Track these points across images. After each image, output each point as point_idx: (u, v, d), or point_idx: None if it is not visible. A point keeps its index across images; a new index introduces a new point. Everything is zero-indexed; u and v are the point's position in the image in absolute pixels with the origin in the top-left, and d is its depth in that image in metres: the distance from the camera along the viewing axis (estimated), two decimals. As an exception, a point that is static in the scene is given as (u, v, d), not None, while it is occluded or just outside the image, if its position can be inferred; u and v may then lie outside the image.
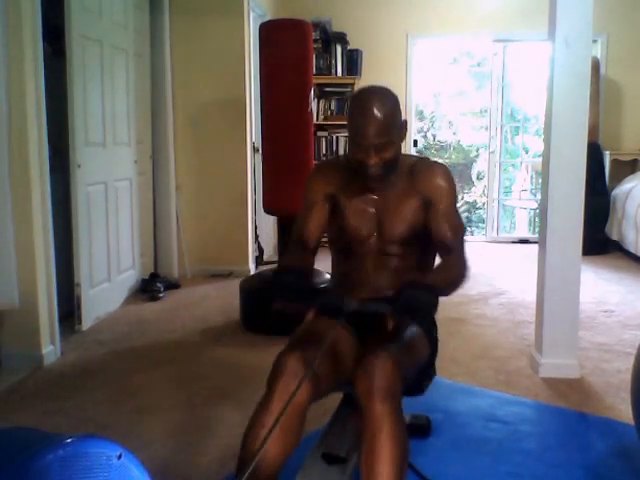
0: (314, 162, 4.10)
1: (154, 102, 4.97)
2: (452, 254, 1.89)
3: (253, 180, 5.27)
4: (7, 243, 3.01)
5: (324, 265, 2.91)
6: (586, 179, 3.01)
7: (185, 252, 5.18)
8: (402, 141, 1.88)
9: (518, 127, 8.41)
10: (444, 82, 9.36)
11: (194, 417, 2.66)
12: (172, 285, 4.80)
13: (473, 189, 9.58)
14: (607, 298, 4.53)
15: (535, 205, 7.40)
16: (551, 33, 2.99)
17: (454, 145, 9.81)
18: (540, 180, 5.57)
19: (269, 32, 3.81)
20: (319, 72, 6.15)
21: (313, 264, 2.04)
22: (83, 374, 3.17)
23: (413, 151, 6.60)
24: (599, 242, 6.02)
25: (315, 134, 5.86)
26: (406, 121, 1.90)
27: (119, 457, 1.09)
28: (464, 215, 8.52)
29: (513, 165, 8.65)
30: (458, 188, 2.21)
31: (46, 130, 3.25)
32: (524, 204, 7.94)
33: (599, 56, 6.41)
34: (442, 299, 1.69)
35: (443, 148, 9.82)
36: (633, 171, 6.47)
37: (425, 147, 9.41)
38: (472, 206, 9.28)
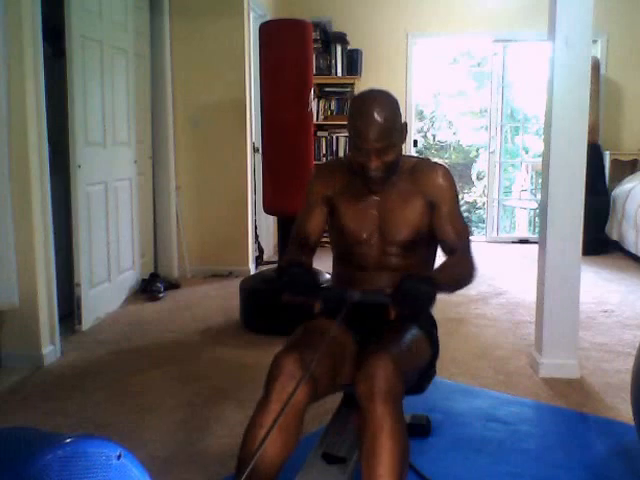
0: (314, 162, 4.11)
1: (154, 102, 4.97)
2: (456, 253, 1.91)
3: (253, 180, 5.27)
4: (7, 243, 3.01)
5: (324, 265, 2.92)
6: (586, 179, 3.01)
7: (185, 252, 5.18)
8: (403, 143, 1.90)
9: (518, 127, 8.41)
10: (444, 82, 9.36)
11: (194, 417, 2.66)
12: (172, 285, 4.80)
13: (473, 189, 9.58)
14: (607, 298, 4.52)
15: (535, 205, 7.40)
16: (551, 33, 2.99)
17: (454, 145, 9.81)
18: (540, 180, 5.57)
19: (269, 32, 3.81)
20: (319, 72, 6.15)
21: (312, 264, 2.05)
22: (83, 374, 3.17)
23: (413, 151, 6.60)
24: (599, 242, 6.01)
25: (315, 134, 5.87)
26: (406, 123, 1.92)
27: (119, 457, 1.09)
28: (464, 215, 8.52)
29: (513, 165, 8.65)
30: (458, 188, 2.22)
31: (46, 130, 3.25)
32: (524, 204, 7.94)
33: (599, 56, 6.41)
34: (442, 299, 1.69)
35: (443, 148, 9.82)
36: (633, 171, 6.47)
37: (425, 147, 9.41)
38: (472, 206, 9.28)
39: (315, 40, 5.89)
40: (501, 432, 2.52)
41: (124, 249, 4.44)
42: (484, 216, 7.36)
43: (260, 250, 5.51)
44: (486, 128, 7.32)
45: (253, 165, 5.25)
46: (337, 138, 6.42)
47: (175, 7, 4.96)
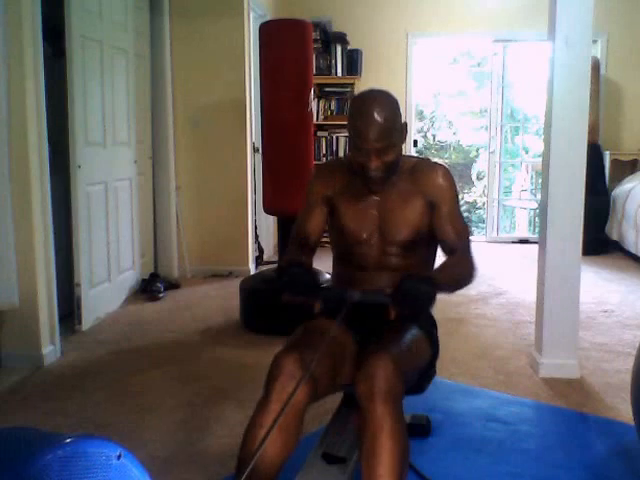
0: (314, 162, 4.11)
1: (154, 102, 4.97)
2: (456, 253, 1.91)
3: (253, 180, 5.27)
4: (7, 243, 3.01)
5: (324, 265, 2.92)
6: (586, 179, 3.01)
7: (185, 252, 5.18)
8: (403, 143, 1.90)
9: (518, 127, 8.41)
10: (444, 82, 9.36)
11: (194, 417, 2.66)
12: (172, 285, 4.80)
13: (473, 189, 9.58)
14: (607, 298, 4.52)
15: (535, 205, 7.40)
16: (551, 33, 2.99)
17: (454, 145, 9.81)
18: (540, 180, 5.56)
19: (269, 32, 3.81)
20: (319, 72, 6.15)
21: (312, 264, 2.05)
22: (83, 374, 3.17)
23: (413, 151, 6.60)
24: (599, 242, 6.01)
25: (315, 134, 5.87)
26: (406, 123, 1.92)
27: (119, 457, 1.09)
28: (464, 215, 8.52)
29: (513, 165, 8.65)
30: (458, 188, 2.22)
31: (46, 130, 3.25)
32: (524, 204, 7.94)
33: (599, 56, 6.41)
34: (442, 299, 1.69)
35: (443, 148, 9.82)
36: (633, 171, 6.47)
37: (425, 147, 9.41)
38: (472, 206, 9.28)
39: (315, 40, 5.89)
40: (501, 432, 2.52)
41: (124, 249, 4.44)
42: (484, 216, 7.36)
43: (260, 250, 5.51)
44: (486, 128, 7.32)
45: (253, 165, 5.25)
46: (337, 138, 6.42)
47: (175, 7, 4.96)
